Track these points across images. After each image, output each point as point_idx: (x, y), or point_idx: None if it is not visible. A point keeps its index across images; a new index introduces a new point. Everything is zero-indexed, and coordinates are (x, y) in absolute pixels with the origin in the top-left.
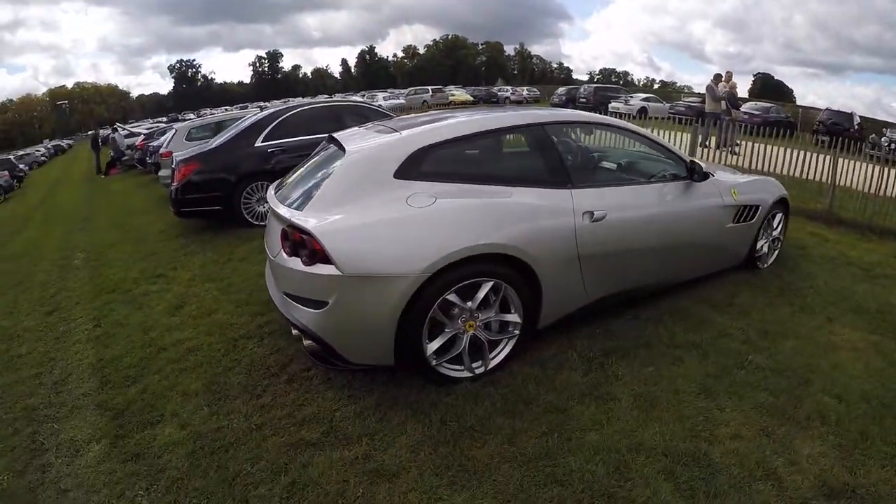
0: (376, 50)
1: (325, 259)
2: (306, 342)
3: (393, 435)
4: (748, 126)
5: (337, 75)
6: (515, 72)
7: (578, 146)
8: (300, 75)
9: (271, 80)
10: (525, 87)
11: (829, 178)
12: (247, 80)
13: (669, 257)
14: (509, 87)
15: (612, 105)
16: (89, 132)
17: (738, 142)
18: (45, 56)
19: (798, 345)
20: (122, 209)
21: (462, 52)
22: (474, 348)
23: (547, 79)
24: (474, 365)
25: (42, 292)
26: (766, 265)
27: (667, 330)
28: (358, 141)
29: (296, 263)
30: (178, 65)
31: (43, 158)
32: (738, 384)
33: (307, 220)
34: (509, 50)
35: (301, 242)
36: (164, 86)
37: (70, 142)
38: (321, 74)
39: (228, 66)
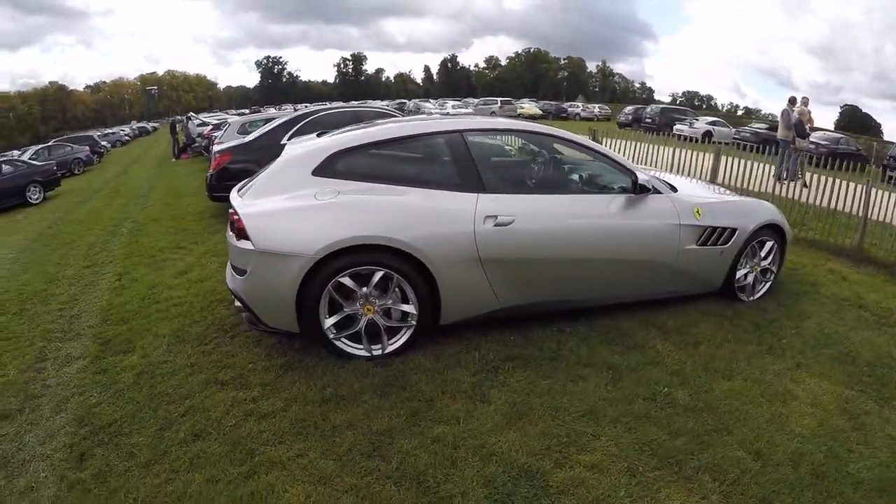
0: (459, 59)
1: (245, 235)
2: (236, 304)
3: (280, 389)
4: (813, 157)
5: (419, 81)
6: (596, 89)
7: (526, 153)
8: (383, 78)
9: (354, 82)
10: (597, 105)
11: (861, 211)
12: (331, 79)
13: (606, 272)
14: (580, 104)
15: (677, 127)
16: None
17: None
18: (139, 42)
19: (740, 387)
20: (176, 190)
21: (543, 65)
22: (375, 331)
23: (629, 98)
24: (373, 347)
25: (87, 251)
26: (750, 298)
27: (589, 347)
28: (298, 144)
29: (232, 239)
30: (265, 60)
31: (126, 138)
32: (634, 415)
33: (240, 204)
34: (591, 66)
35: (234, 221)
36: (251, 79)
37: (155, 125)
38: (403, 79)
39: (314, 64)
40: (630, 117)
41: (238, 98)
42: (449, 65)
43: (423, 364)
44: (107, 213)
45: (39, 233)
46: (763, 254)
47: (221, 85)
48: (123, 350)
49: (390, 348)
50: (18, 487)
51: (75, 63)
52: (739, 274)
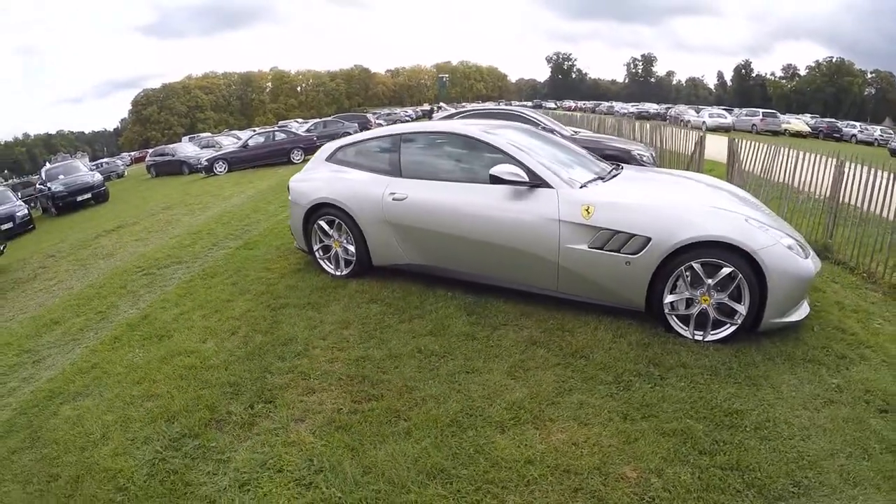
0: (753, 65)
1: (288, 192)
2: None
3: (288, 276)
4: None
5: (712, 87)
6: None
7: (450, 151)
8: (673, 81)
9: (644, 82)
10: (878, 127)
11: None
12: (620, 78)
13: (486, 254)
14: (858, 124)
15: None
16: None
17: None
18: (435, 35)
19: (496, 383)
20: None
21: (847, 79)
22: (342, 261)
23: None
24: (337, 269)
25: None
26: (698, 336)
27: (451, 310)
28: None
29: None
30: (554, 56)
31: (407, 118)
32: (394, 352)
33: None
34: None
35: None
36: (542, 73)
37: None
38: (695, 84)
39: (605, 62)
40: None
41: (527, 90)
42: (742, 71)
43: (350, 286)
44: None
45: (278, 182)
46: (713, 282)
47: (513, 77)
48: (249, 248)
49: (344, 272)
50: (161, 284)
51: (376, 51)
52: (671, 299)
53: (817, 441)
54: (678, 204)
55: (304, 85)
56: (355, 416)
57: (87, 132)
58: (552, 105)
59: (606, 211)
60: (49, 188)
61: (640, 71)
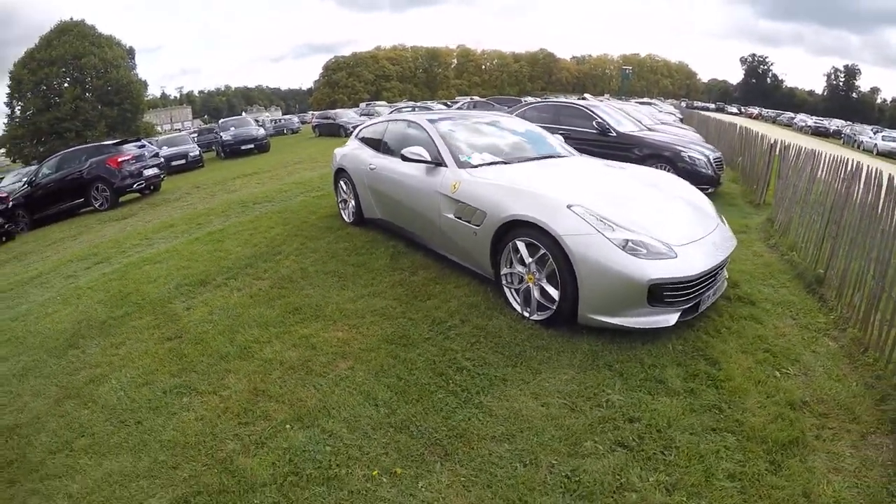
0: None
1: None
2: None
3: (323, 219)
4: None
5: None
6: None
7: (408, 134)
8: (877, 99)
9: (844, 97)
10: None
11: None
12: (819, 89)
13: (411, 216)
14: None
15: None
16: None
17: None
18: (626, 25)
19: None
20: None
21: None
22: (351, 212)
23: None
24: (349, 217)
25: None
26: (527, 313)
27: (387, 259)
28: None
29: None
30: (749, 58)
31: None
32: (319, 270)
33: None
34: None
35: None
36: (734, 75)
37: (617, 100)
38: None
39: (803, 70)
40: None
41: (717, 91)
42: None
43: (346, 229)
44: None
45: None
46: (533, 261)
47: (703, 76)
48: (320, 197)
49: (351, 220)
50: (247, 213)
51: (563, 36)
52: (505, 271)
53: (504, 425)
54: (527, 187)
55: (488, 64)
56: (263, 293)
57: (282, 88)
58: (734, 110)
59: (466, 187)
60: (221, 136)
61: (840, 84)
